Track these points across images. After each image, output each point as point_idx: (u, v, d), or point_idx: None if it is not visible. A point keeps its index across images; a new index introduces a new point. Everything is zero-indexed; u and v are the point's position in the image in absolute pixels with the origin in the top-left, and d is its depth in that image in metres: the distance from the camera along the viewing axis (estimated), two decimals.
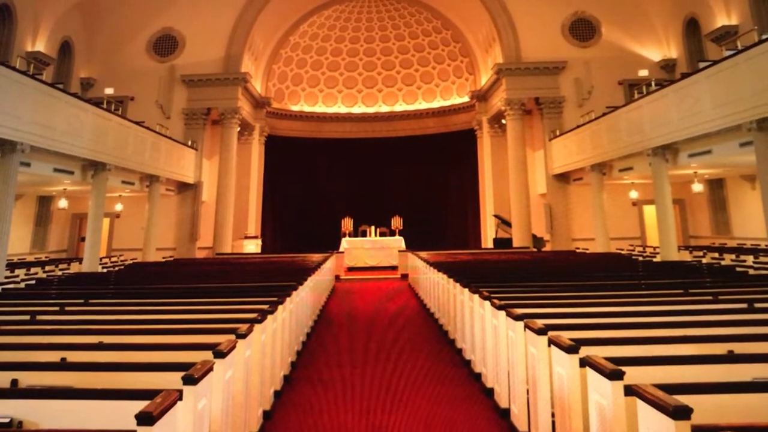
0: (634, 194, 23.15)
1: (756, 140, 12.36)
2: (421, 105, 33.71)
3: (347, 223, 29.26)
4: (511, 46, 26.31)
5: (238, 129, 27.15)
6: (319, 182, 33.83)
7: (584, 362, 4.42)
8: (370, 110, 34.12)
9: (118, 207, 23.42)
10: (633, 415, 3.67)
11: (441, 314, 12.53)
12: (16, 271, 15.88)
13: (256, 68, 29.53)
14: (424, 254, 18.94)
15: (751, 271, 13.12)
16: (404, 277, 23.12)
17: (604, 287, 9.40)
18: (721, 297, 7.88)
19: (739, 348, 5.14)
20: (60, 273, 17.06)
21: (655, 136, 16.55)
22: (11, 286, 12.86)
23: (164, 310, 7.62)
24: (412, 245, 26.46)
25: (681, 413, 3.10)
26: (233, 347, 5.13)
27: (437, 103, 33.33)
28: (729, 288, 8.97)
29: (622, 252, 20.89)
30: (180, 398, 3.70)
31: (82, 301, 8.60)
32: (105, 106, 18.29)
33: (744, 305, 7.17)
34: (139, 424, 3.17)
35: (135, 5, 26.61)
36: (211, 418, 4.45)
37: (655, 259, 17.62)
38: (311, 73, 33.22)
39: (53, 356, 5.10)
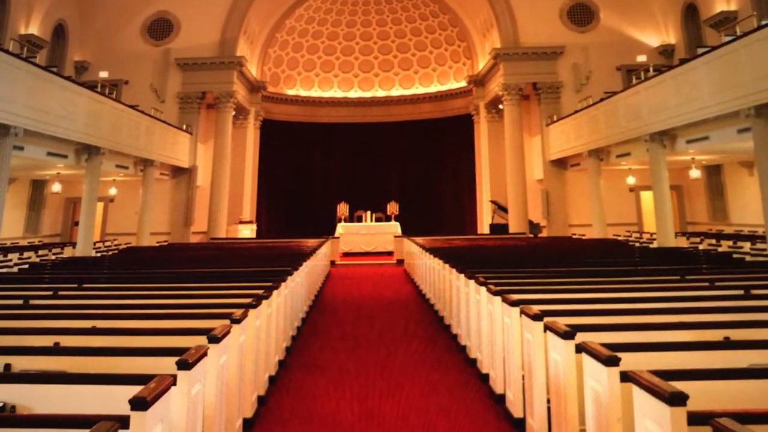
0: (631, 180, 23.13)
1: (754, 126, 12.32)
2: (418, 90, 33.59)
3: (343, 209, 29.29)
4: (509, 30, 26.21)
5: (233, 113, 27.08)
6: (315, 167, 33.75)
7: (580, 348, 4.40)
8: (367, 95, 33.99)
9: (112, 191, 23.32)
10: (629, 401, 3.66)
11: (436, 300, 12.54)
12: (9, 255, 15.87)
13: (252, 52, 29.39)
14: (420, 240, 18.93)
15: (748, 258, 13.16)
16: (400, 262, 23.16)
17: (601, 273, 9.40)
18: (717, 283, 7.88)
19: (736, 334, 5.13)
20: (53, 257, 17.05)
21: (653, 122, 16.52)
22: (4, 270, 12.89)
23: (158, 295, 7.60)
24: (408, 231, 26.44)
25: (677, 399, 3.10)
26: (228, 332, 5.11)
27: (434, 88, 33.22)
28: (726, 274, 8.98)
29: (619, 238, 20.91)
30: (174, 383, 3.68)
31: (75, 285, 8.55)
32: (99, 89, 18.23)
33: (740, 292, 7.17)
34: (132, 409, 3.15)
35: None
36: (205, 404, 4.45)
37: (651, 246, 17.62)
38: (307, 57, 33.06)
39: (46, 341, 5.08)
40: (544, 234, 24.51)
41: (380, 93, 34.03)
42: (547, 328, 5.15)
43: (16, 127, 13.05)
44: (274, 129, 31.51)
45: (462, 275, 9.11)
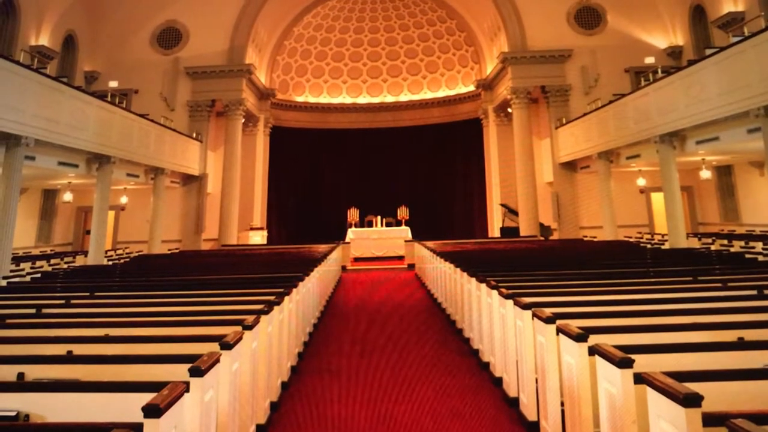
0: (641, 182, 23.05)
1: (764, 126, 12.29)
2: (427, 95, 33.65)
3: (353, 214, 29.29)
4: (517, 34, 26.21)
5: (243, 120, 27.19)
6: (325, 173, 33.84)
7: (593, 350, 4.40)
8: (375, 100, 34.07)
9: (123, 200, 23.43)
10: (643, 403, 3.65)
11: (448, 304, 12.52)
12: (22, 265, 15.95)
13: (260, 60, 29.49)
14: (430, 244, 18.92)
15: (761, 258, 13.05)
16: (411, 267, 23.13)
17: (613, 275, 9.37)
18: (730, 284, 7.84)
19: (750, 335, 5.10)
20: (65, 266, 17.09)
21: (663, 123, 16.47)
22: (17, 279, 12.92)
23: (170, 302, 7.62)
24: (419, 235, 26.44)
25: (692, 401, 3.09)
26: (240, 339, 5.12)
27: (442, 93, 33.27)
28: (738, 275, 8.92)
29: (630, 240, 20.83)
30: (187, 390, 3.70)
31: (87, 294, 8.61)
32: (109, 99, 18.34)
33: (754, 292, 7.13)
34: (146, 416, 3.16)
35: None
36: (218, 410, 4.44)
37: (663, 247, 17.55)
38: (315, 63, 33.17)
39: (59, 349, 5.10)
40: (555, 236, 24.48)
41: (389, 98, 34.08)
42: (559, 330, 5.14)
43: (27, 138, 13.17)
44: (283, 136, 31.61)
45: (473, 279, 9.08)
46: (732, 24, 20.04)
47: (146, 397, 3.28)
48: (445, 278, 12.81)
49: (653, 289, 7.64)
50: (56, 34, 23.68)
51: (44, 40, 22.73)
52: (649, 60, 23.97)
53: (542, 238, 23.64)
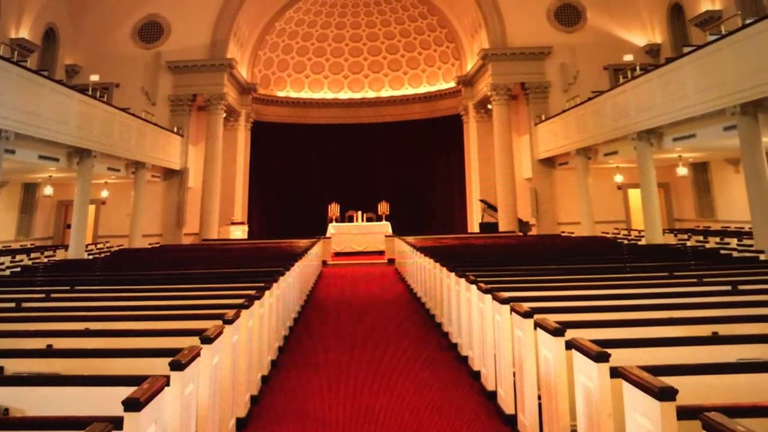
0: (619, 178, 23.20)
1: (739, 124, 12.46)
2: (408, 90, 33.66)
3: (334, 209, 29.31)
4: (497, 31, 26.29)
5: (224, 115, 27.08)
6: (306, 168, 33.72)
7: (570, 345, 4.44)
8: (357, 96, 34.02)
9: (104, 194, 23.28)
10: (619, 397, 3.69)
11: (428, 298, 12.57)
12: (1, 259, 15.79)
13: (242, 54, 29.36)
14: (410, 239, 18.96)
15: (735, 254, 13.16)
16: (391, 261, 23.18)
17: (590, 270, 9.43)
18: (705, 279, 7.92)
19: (724, 330, 5.16)
20: (46, 260, 16.96)
21: (640, 121, 16.63)
22: None
23: (151, 297, 7.60)
24: (399, 230, 26.48)
25: (666, 394, 3.13)
26: (220, 333, 5.12)
27: (423, 89, 33.30)
28: (713, 270, 9.03)
29: (608, 235, 20.99)
30: (167, 384, 3.69)
31: (68, 288, 8.55)
32: (90, 92, 18.17)
33: (728, 287, 7.21)
34: (126, 410, 3.16)
35: None
36: (198, 404, 4.46)
37: (640, 243, 17.71)
38: (297, 59, 33.07)
39: (39, 343, 5.06)
40: (533, 232, 24.63)
41: (370, 94, 34.07)
42: (537, 325, 5.18)
43: (7, 131, 13.03)
44: (265, 130, 31.50)
45: (453, 274, 9.13)
46: (709, 22, 20.24)
47: (127, 391, 3.28)
48: (425, 273, 12.85)
49: (630, 285, 7.72)
50: (37, 26, 23.43)
51: (24, 32, 22.48)
52: (628, 57, 24.11)
53: (521, 234, 23.79)
